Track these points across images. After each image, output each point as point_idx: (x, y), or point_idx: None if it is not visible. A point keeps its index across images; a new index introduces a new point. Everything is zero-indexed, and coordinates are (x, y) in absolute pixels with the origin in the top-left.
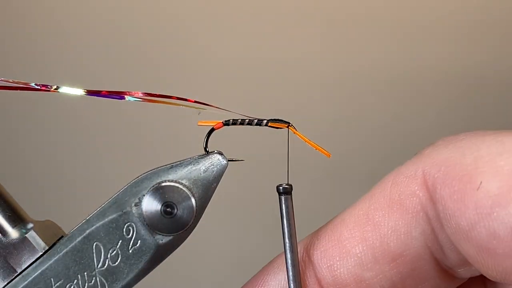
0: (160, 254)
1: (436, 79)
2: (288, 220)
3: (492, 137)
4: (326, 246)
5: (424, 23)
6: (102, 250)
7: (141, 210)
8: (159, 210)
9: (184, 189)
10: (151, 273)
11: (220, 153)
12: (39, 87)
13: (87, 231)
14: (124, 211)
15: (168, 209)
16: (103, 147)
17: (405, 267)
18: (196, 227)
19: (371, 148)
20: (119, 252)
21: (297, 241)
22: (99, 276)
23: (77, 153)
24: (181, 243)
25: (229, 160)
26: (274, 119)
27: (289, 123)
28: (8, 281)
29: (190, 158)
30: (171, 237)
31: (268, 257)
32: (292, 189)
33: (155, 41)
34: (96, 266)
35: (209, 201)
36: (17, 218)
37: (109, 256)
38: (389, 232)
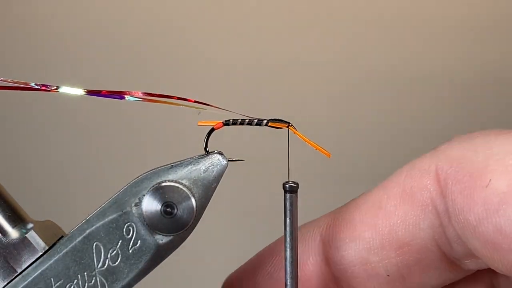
0: (160, 254)
1: (436, 78)
2: (291, 218)
3: (505, 136)
4: (339, 228)
5: (427, 23)
6: (102, 250)
7: (141, 210)
8: (159, 210)
9: (184, 189)
10: (151, 273)
11: (220, 153)
12: (39, 87)
13: (87, 231)
14: (124, 211)
15: (168, 209)
16: (103, 147)
17: (411, 256)
18: (196, 227)
19: (372, 148)
20: (119, 252)
21: (297, 240)
22: (99, 276)
23: (77, 153)
24: (181, 243)
25: (229, 160)
26: (274, 119)
27: (289, 123)
28: (8, 281)
29: (190, 158)
30: (171, 237)
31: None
32: (298, 187)
33: (155, 42)
34: (96, 266)
35: (209, 201)
36: (17, 218)
37: (109, 256)
38: (399, 221)
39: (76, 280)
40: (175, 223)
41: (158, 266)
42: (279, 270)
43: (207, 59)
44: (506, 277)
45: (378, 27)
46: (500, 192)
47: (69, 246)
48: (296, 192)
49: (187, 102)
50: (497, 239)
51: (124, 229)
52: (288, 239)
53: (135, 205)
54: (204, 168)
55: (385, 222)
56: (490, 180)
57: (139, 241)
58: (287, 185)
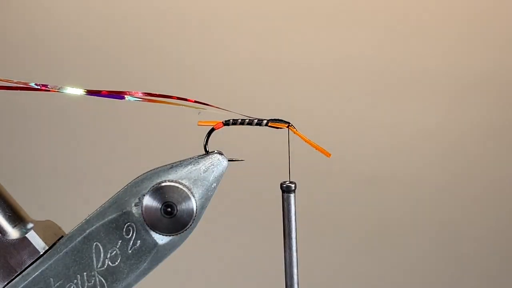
0: (160, 254)
1: (435, 79)
2: (289, 218)
3: None
4: None
5: (427, 23)
6: (102, 250)
7: (141, 210)
8: (159, 210)
9: (184, 189)
10: (150, 273)
11: (220, 153)
12: (39, 87)
13: (87, 231)
14: (124, 211)
15: (168, 209)
16: (102, 147)
17: None
18: (195, 227)
19: (372, 148)
20: (119, 252)
21: (297, 240)
22: (99, 277)
23: (77, 153)
24: (181, 243)
25: (229, 160)
26: (274, 119)
27: (289, 123)
28: (8, 281)
29: (190, 158)
30: (171, 237)
31: (266, 256)
32: (296, 187)
33: (155, 42)
34: (95, 266)
35: (209, 201)
36: (17, 218)
37: (108, 256)
38: None
39: (75, 280)
40: (175, 223)
41: (158, 266)
42: None
43: (207, 59)
44: None
45: (378, 26)
46: None
47: (69, 246)
48: (294, 192)
49: (187, 102)
50: None
51: (124, 229)
52: (287, 239)
53: (135, 205)
54: (204, 168)
55: None
56: None
57: (139, 241)
58: (284, 185)
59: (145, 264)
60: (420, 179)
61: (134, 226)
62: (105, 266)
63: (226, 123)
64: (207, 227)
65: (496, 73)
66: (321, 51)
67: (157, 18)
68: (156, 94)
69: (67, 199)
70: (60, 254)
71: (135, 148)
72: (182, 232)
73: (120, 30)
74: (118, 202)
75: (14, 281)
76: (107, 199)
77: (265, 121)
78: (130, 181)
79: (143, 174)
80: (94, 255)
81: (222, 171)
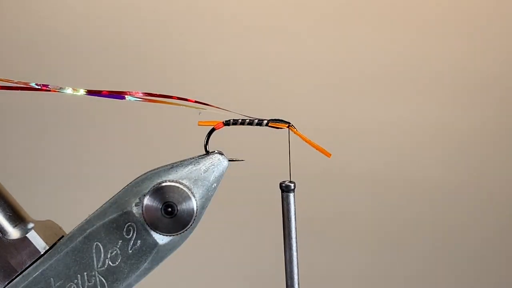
0: (160, 254)
1: (434, 79)
2: (289, 217)
3: None
4: None
5: (429, 21)
6: (102, 250)
7: (142, 210)
8: (159, 210)
9: (184, 189)
10: (151, 273)
11: (221, 153)
12: (39, 87)
13: (88, 231)
14: (124, 211)
15: (168, 209)
16: (103, 147)
17: None
18: (196, 227)
19: (373, 148)
20: (119, 252)
21: (297, 240)
22: (99, 276)
23: (77, 153)
24: (182, 243)
25: (229, 160)
26: (275, 119)
27: (289, 123)
28: (9, 281)
29: (190, 158)
30: (171, 237)
31: (266, 256)
32: (295, 187)
33: (155, 42)
34: (96, 266)
35: (209, 201)
36: (17, 218)
37: (109, 256)
38: None
39: (76, 280)
40: (176, 223)
41: (159, 266)
42: None
43: (208, 59)
44: None
45: (379, 25)
46: None
47: (70, 246)
48: (293, 191)
49: (188, 102)
50: None
51: (125, 229)
52: (286, 239)
53: (135, 205)
54: (204, 168)
55: None
56: None
57: (139, 241)
58: (284, 184)
59: (145, 264)
60: (422, 179)
61: (135, 226)
62: (106, 266)
63: (227, 123)
64: (207, 227)
65: (501, 72)
66: (321, 51)
67: (157, 17)
68: (156, 94)
69: (67, 200)
70: (61, 254)
71: (135, 148)
72: (183, 232)
73: (120, 30)
74: (119, 202)
75: (14, 281)
76: (107, 199)
77: (265, 121)
78: (130, 182)
79: (144, 174)
80: (94, 255)
81: (223, 171)
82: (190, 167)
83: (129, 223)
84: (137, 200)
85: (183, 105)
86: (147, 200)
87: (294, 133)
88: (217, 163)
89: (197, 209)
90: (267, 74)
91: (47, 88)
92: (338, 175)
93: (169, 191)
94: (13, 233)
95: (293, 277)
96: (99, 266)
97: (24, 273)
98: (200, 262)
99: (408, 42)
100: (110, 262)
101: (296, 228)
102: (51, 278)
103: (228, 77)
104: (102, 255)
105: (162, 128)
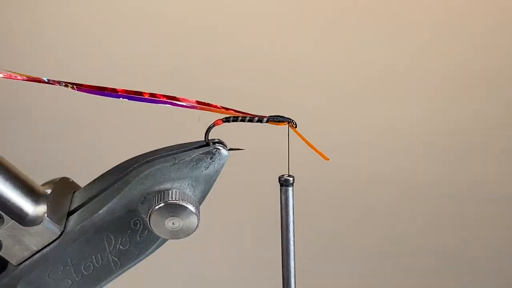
0: (166, 240)
1: (434, 79)
2: (287, 211)
3: None
4: None
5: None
6: (113, 239)
7: (148, 218)
8: (164, 224)
9: (188, 207)
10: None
11: (221, 143)
12: (50, 82)
13: (99, 225)
14: (131, 209)
15: (173, 224)
16: (102, 142)
17: None
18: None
19: (372, 145)
20: (129, 239)
21: (294, 233)
22: (112, 257)
23: (77, 149)
24: None
25: (229, 149)
26: (275, 116)
27: (289, 120)
28: (27, 257)
29: (190, 150)
30: None
31: (264, 249)
32: (294, 181)
33: (154, 40)
34: (108, 250)
35: (209, 191)
36: (32, 198)
37: (119, 242)
38: None
39: (91, 260)
40: (178, 232)
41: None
42: None
43: (208, 57)
44: None
45: (380, 24)
46: None
47: (83, 237)
48: (292, 185)
49: (189, 102)
50: None
51: (132, 223)
52: (284, 232)
53: (141, 203)
54: (205, 165)
55: None
56: None
57: (146, 231)
58: (283, 179)
59: (153, 246)
60: (421, 177)
61: (141, 221)
62: (117, 249)
63: (226, 120)
64: (205, 221)
65: (498, 72)
66: (322, 50)
67: (156, 15)
68: (158, 94)
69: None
70: (74, 243)
71: (135, 143)
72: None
73: (119, 29)
74: (125, 199)
75: (31, 259)
76: (112, 188)
77: (265, 119)
78: (131, 167)
79: (145, 165)
80: (106, 243)
81: (223, 163)
82: (192, 164)
83: (135, 218)
84: (142, 199)
85: (184, 106)
86: (154, 216)
87: (294, 131)
88: (217, 157)
89: (198, 222)
90: (268, 71)
91: (55, 82)
92: (338, 170)
93: (175, 209)
94: (29, 215)
95: (290, 269)
96: (111, 250)
97: (42, 251)
98: (198, 256)
99: (410, 43)
100: (121, 247)
101: (293, 222)
102: (68, 258)
103: (228, 74)
104: (113, 242)
105: (162, 123)
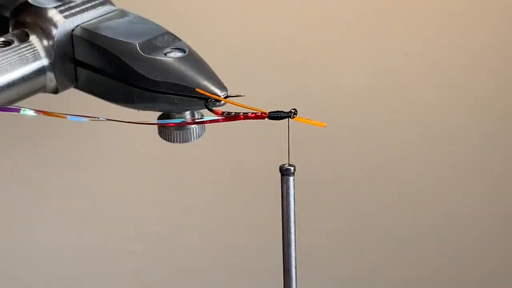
0: None
1: (433, 79)
2: (288, 201)
3: None
4: None
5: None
6: None
7: None
8: None
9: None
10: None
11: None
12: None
13: None
14: None
15: None
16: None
17: None
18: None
19: (373, 139)
20: None
21: (296, 224)
22: None
23: (77, 144)
24: None
25: (228, 96)
26: (275, 112)
27: (289, 115)
28: None
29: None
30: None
31: (265, 239)
32: (295, 170)
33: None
34: None
35: None
36: None
37: None
38: None
39: None
40: None
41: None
42: None
43: (207, 55)
44: None
45: (382, 26)
46: None
47: None
48: (293, 175)
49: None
50: None
51: None
52: (285, 222)
53: None
54: None
55: None
56: None
57: None
58: (284, 168)
59: None
60: (422, 177)
61: None
62: None
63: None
64: (205, 210)
65: (500, 71)
66: (322, 49)
67: (154, 12)
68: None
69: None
70: None
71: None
72: None
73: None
74: None
75: None
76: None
77: (265, 117)
78: None
79: None
80: None
81: None
82: None
83: None
84: None
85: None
86: None
87: (296, 120)
88: None
89: None
90: (267, 68)
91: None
92: (338, 172)
93: None
94: None
95: (291, 260)
96: None
97: None
98: (197, 247)
99: (411, 41)
100: None
101: (295, 212)
102: None
103: (227, 73)
104: None
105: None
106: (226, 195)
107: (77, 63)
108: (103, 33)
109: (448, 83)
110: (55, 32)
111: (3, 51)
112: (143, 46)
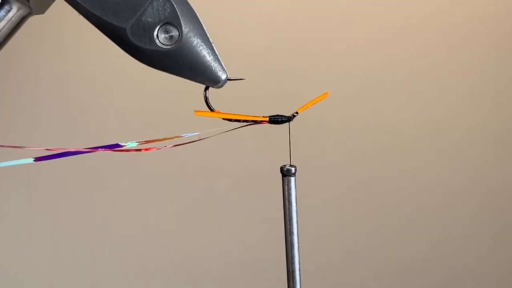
0: None
1: (433, 78)
2: (290, 201)
3: None
4: None
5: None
6: None
7: None
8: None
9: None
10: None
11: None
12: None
13: None
14: None
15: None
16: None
17: None
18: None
19: (373, 138)
20: None
21: (297, 224)
22: None
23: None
24: None
25: (229, 79)
26: (275, 116)
27: (290, 119)
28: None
29: None
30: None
31: (267, 240)
32: (296, 171)
33: None
34: None
35: None
36: None
37: None
38: None
39: None
40: None
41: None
42: None
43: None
44: None
45: (383, 26)
46: None
47: None
48: (294, 175)
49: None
50: None
51: None
52: (287, 223)
53: None
54: None
55: None
56: None
57: None
58: (285, 169)
59: None
60: (422, 176)
61: None
62: None
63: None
64: (207, 211)
65: (501, 72)
66: (322, 48)
67: None
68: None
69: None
70: None
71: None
72: None
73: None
74: None
75: None
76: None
77: (265, 122)
78: None
79: None
80: None
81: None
82: None
83: None
84: None
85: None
86: None
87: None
88: None
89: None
90: (268, 69)
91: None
92: (338, 170)
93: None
94: None
95: (294, 261)
96: None
97: None
98: (199, 246)
99: (412, 41)
100: None
101: (297, 213)
102: None
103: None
104: None
105: (164, 102)
106: (227, 196)
107: None
108: (91, 10)
109: (448, 83)
110: None
111: None
112: (133, 28)
